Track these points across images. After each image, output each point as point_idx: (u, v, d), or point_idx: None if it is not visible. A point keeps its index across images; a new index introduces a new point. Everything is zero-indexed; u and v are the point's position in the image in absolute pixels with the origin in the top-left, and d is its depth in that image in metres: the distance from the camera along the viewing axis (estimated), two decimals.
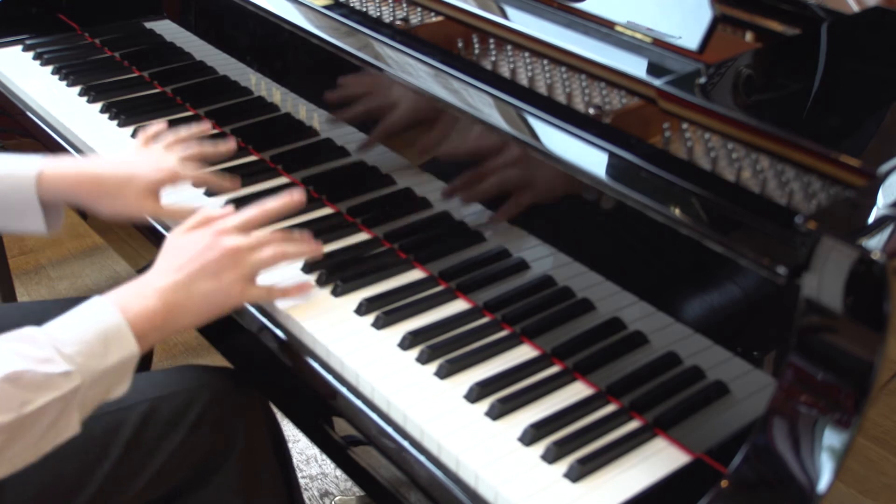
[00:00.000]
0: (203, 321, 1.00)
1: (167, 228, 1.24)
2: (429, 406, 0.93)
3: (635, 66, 1.01)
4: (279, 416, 1.19)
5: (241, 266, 1.00)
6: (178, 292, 0.96)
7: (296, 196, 1.09)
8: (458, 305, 1.08)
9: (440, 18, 1.22)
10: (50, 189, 1.11)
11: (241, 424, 1.11)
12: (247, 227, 1.03)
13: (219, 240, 1.00)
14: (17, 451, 0.84)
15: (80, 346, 0.87)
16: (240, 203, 1.24)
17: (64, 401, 0.85)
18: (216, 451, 1.10)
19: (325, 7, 1.26)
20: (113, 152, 1.36)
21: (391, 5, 1.27)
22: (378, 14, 1.24)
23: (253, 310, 1.09)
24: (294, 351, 1.04)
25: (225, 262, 0.99)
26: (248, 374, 1.19)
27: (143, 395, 1.08)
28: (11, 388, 0.82)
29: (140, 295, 0.95)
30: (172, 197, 1.21)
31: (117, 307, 0.92)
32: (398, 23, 1.21)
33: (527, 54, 1.11)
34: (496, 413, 0.92)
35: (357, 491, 1.87)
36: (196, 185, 1.26)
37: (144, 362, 1.46)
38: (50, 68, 1.62)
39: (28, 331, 0.88)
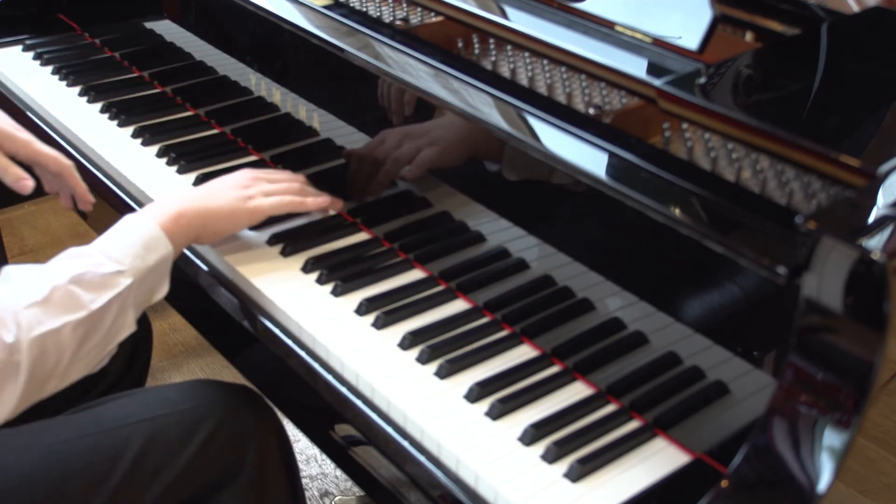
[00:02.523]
0: (228, 223, 1.12)
1: None
2: (429, 406, 0.93)
3: (635, 66, 1.01)
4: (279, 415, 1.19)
5: (261, 185, 1.15)
6: (202, 197, 1.10)
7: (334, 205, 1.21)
8: (458, 305, 1.08)
9: (440, 18, 1.22)
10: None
11: (253, 446, 1.09)
12: (277, 183, 1.17)
13: (246, 171, 1.17)
14: (89, 348, 0.96)
15: (123, 250, 0.99)
16: None
17: (121, 298, 0.97)
18: (225, 471, 1.08)
19: (325, 7, 1.26)
20: (114, 151, 1.37)
21: (391, 5, 1.27)
22: (378, 14, 1.24)
23: (253, 310, 1.09)
24: (294, 351, 1.04)
25: (247, 181, 1.15)
26: (246, 373, 1.19)
27: (153, 411, 1.07)
28: (77, 288, 0.94)
29: (168, 203, 1.08)
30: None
31: (149, 216, 1.04)
32: (398, 23, 1.21)
33: (527, 54, 1.11)
34: (496, 413, 0.92)
35: (357, 491, 1.87)
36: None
37: (140, 372, 1.44)
38: (50, 68, 1.62)
39: (74, 249, 0.98)
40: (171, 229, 1.04)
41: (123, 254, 0.99)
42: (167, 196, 1.11)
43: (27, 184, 1.18)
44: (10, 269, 0.96)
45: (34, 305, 0.91)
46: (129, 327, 1.00)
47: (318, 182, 1.28)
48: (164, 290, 1.05)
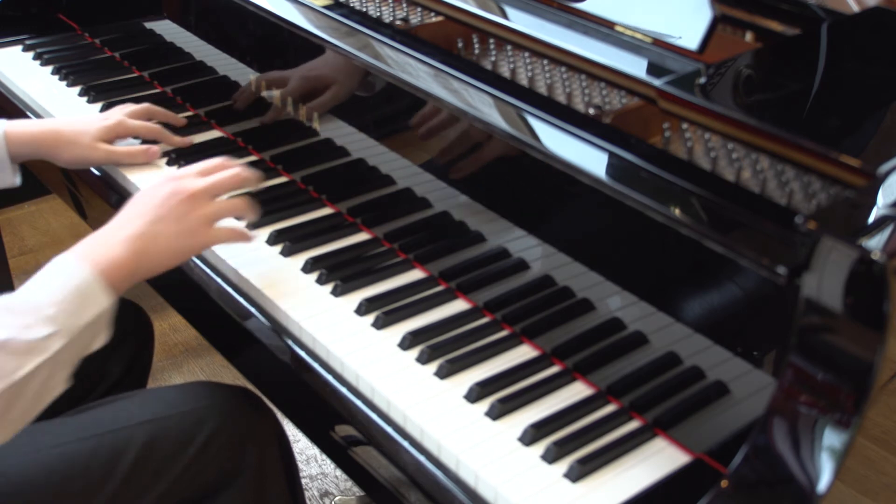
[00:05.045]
0: (172, 264, 1.02)
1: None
2: (429, 406, 0.93)
3: (635, 66, 1.01)
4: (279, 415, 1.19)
5: (202, 208, 1.02)
6: (143, 238, 0.98)
7: (252, 176, 1.11)
8: (458, 305, 1.08)
9: (440, 18, 1.22)
10: (16, 145, 1.25)
11: (253, 447, 1.09)
12: (211, 187, 1.05)
13: (179, 185, 1.03)
14: (16, 415, 0.87)
15: (58, 306, 0.89)
16: None
17: (52, 362, 0.88)
18: (225, 473, 1.08)
19: (325, 7, 1.26)
20: None
21: (391, 5, 1.27)
22: (378, 14, 1.24)
23: (253, 309, 1.09)
24: (294, 352, 1.04)
25: (186, 206, 1.01)
26: (246, 373, 1.19)
27: (152, 413, 1.07)
28: (1, 355, 0.85)
29: (106, 245, 0.96)
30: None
31: (87, 262, 0.93)
32: (398, 23, 1.21)
33: (527, 54, 1.11)
34: (496, 413, 0.92)
35: (357, 491, 1.87)
36: (143, 137, 1.34)
37: (141, 373, 1.45)
38: (50, 68, 1.62)
39: (2, 300, 0.89)
40: (111, 278, 0.93)
41: (56, 311, 0.88)
42: (107, 228, 0.99)
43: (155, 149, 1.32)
44: None
45: None
46: (60, 387, 0.91)
47: (319, 182, 1.28)
48: (101, 340, 0.95)
